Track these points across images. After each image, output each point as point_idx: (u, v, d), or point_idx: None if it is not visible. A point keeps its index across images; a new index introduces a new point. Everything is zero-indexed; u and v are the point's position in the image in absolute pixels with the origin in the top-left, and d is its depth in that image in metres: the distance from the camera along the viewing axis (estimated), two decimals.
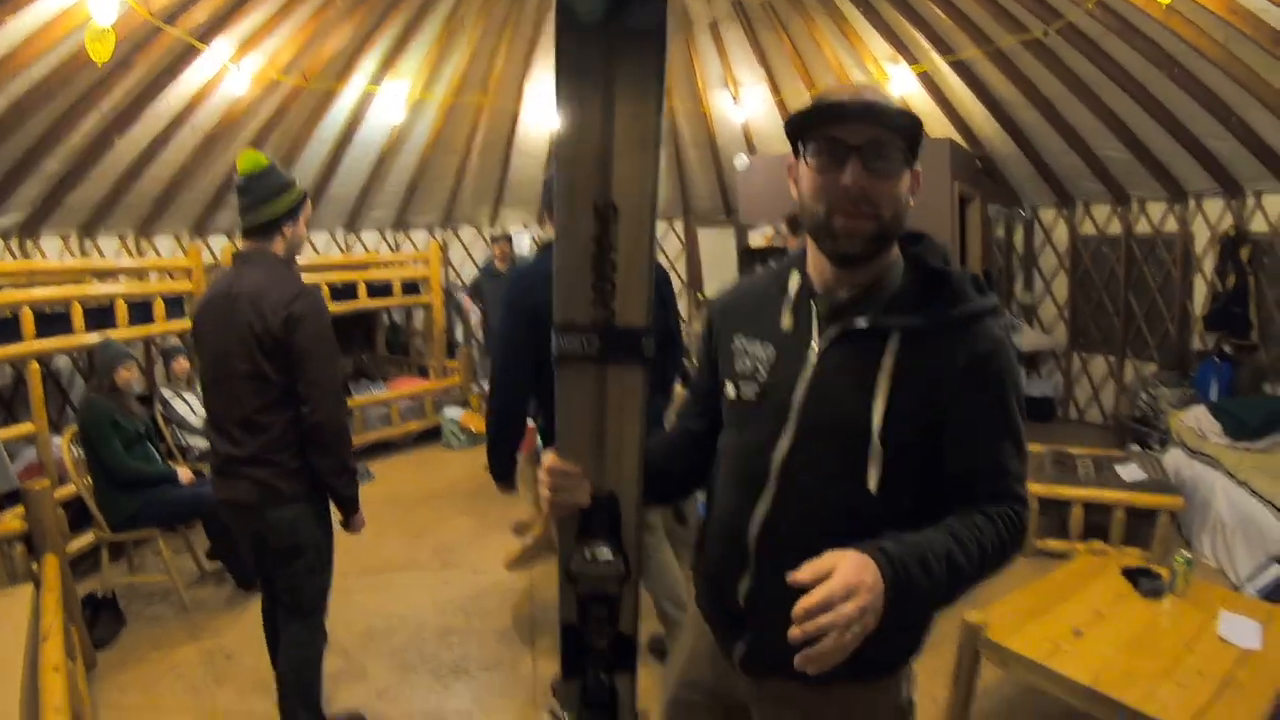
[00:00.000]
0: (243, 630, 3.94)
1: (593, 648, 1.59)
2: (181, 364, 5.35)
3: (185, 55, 5.38)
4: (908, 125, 1.37)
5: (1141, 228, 6.28)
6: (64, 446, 4.30)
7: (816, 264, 1.48)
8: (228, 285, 2.74)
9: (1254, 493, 4.11)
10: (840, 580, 1.17)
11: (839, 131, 1.36)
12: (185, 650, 3.81)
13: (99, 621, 3.82)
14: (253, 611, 3.91)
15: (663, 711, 1.87)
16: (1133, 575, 3.24)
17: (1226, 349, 5.52)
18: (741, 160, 7.07)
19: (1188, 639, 2.85)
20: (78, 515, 4.37)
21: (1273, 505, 3.94)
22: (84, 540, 4.34)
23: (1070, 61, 5.60)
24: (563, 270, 1.42)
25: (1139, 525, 4.22)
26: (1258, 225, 5.49)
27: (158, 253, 6.92)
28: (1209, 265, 5.74)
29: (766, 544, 1.47)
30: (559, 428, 1.50)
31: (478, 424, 4.76)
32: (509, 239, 7.08)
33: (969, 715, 3.03)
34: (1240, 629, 2.89)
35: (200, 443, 5.09)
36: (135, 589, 4.31)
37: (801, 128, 1.41)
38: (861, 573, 1.19)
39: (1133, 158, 5.96)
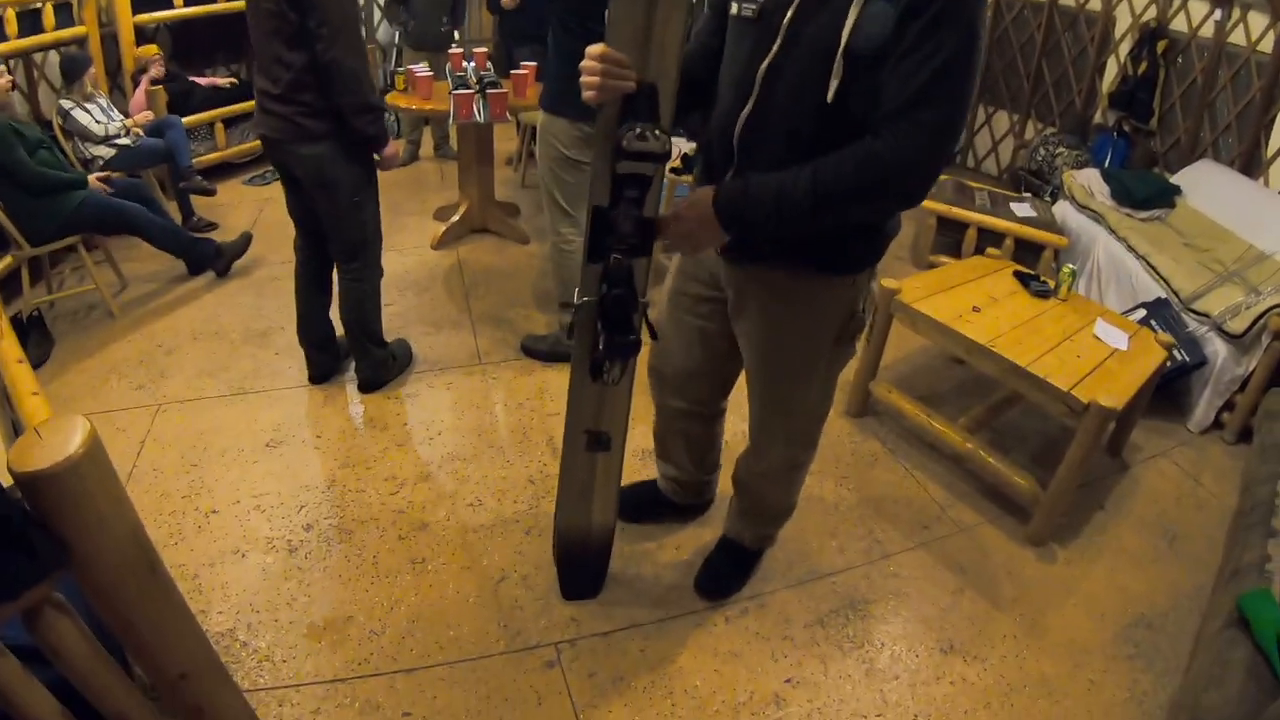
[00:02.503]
0: (176, 326, 4.03)
1: (618, 229, 1.71)
2: (90, 73, 4.84)
3: None
4: None
5: (1067, 0, 6.24)
6: None
7: None
8: None
9: (1131, 249, 4.36)
10: (682, 206, 1.73)
11: None
12: (123, 353, 3.79)
13: (29, 342, 3.64)
14: (184, 308, 4.17)
15: (665, 302, 2.23)
16: (1023, 278, 3.43)
17: (1126, 128, 5.68)
18: None
19: (1069, 332, 3.10)
20: None
21: (1146, 261, 4.19)
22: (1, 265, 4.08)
23: None
24: None
25: (1025, 256, 4.49)
26: (1178, 25, 5.52)
27: None
28: (1125, 49, 5.78)
29: (746, 141, 1.71)
30: (611, 17, 1.58)
31: (407, 101, 4.51)
32: None
33: (878, 368, 3.44)
34: (1112, 334, 3.16)
35: (104, 152, 4.74)
36: (58, 307, 4.15)
37: None
38: (695, 202, 1.70)
39: None
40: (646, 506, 2.80)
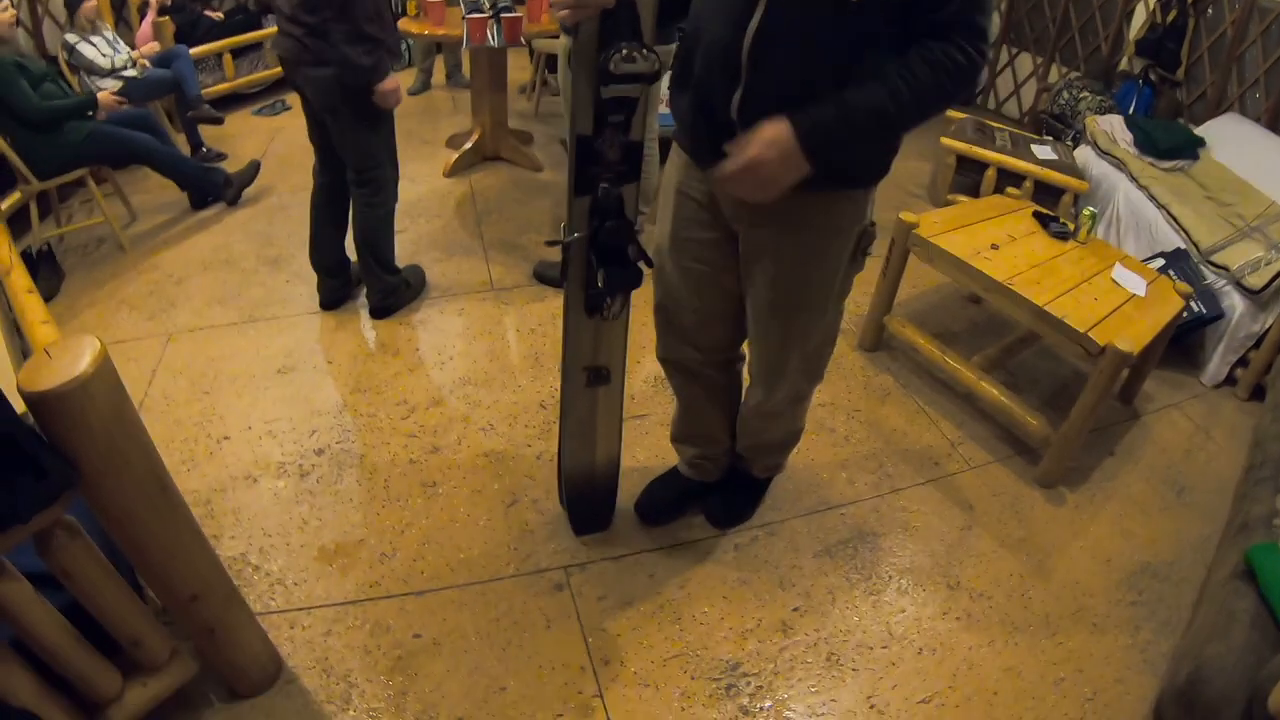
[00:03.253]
0: (186, 257, 4.02)
1: (604, 158, 1.65)
2: (89, 5, 4.73)
3: None
4: None
5: None
6: None
7: None
8: None
9: (1151, 198, 4.30)
10: (750, 152, 1.50)
11: None
12: (133, 285, 3.78)
13: (39, 276, 3.61)
14: (194, 239, 4.17)
15: (665, 245, 2.04)
16: (1043, 219, 3.39)
17: (1152, 77, 5.57)
18: None
19: (1087, 275, 3.07)
20: None
21: (1167, 211, 4.14)
22: (8, 203, 4.03)
23: None
24: None
25: (1045, 199, 4.42)
26: None
27: None
28: None
29: (757, 55, 1.52)
30: None
31: (419, 27, 4.43)
32: None
33: (893, 303, 3.40)
34: (1131, 279, 3.12)
35: (111, 85, 4.66)
36: (67, 241, 4.13)
37: None
38: (773, 141, 1.48)
39: None
40: (670, 504, 2.60)
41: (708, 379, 2.30)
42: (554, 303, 3.61)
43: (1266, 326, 3.48)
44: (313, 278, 3.51)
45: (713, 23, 1.60)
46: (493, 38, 4.16)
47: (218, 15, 6.19)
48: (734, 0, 1.53)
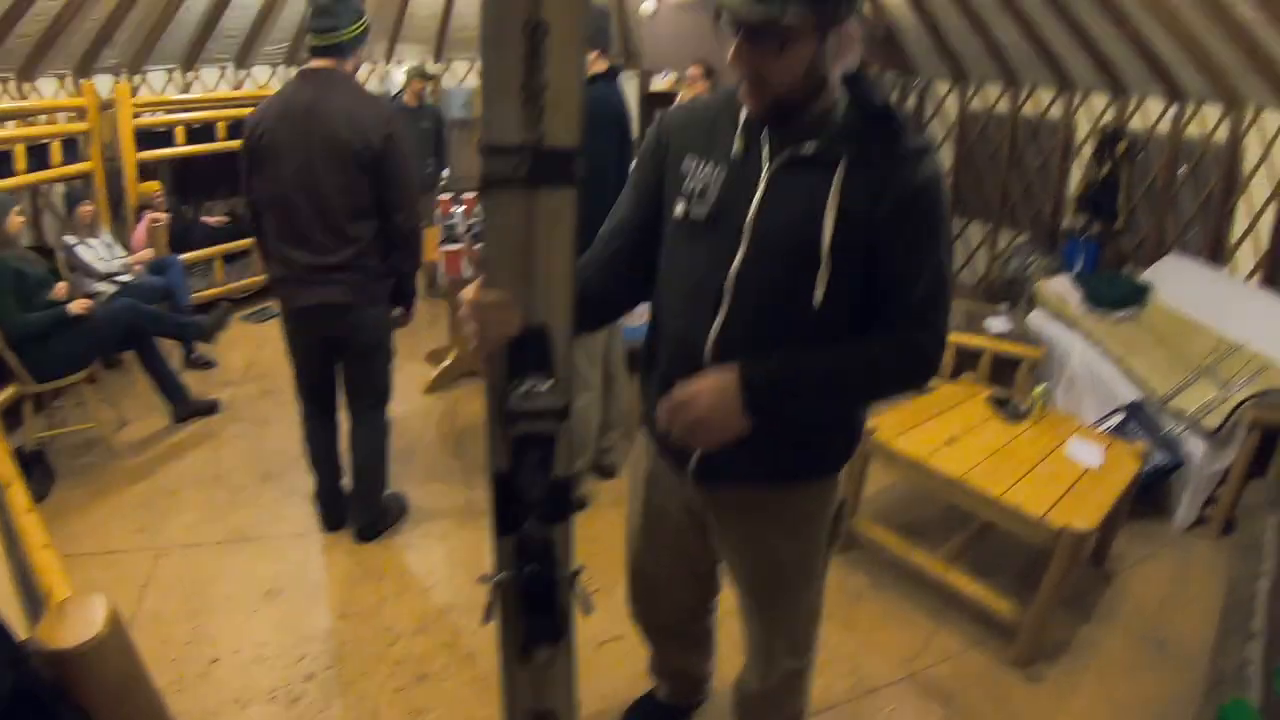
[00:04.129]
0: (176, 468, 4.13)
1: (527, 498, 1.50)
2: (86, 209, 5.05)
3: None
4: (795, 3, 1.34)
5: (1028, 111, 6.51)
6: None
7: None
8: (307, 102, 2.85)
9: (1105, 353, 4.50)
10: (693, 389, 1.47)
11: (730, 6, 1.37)
12: (124, 494, 3.87)
13: (31, 478, 3.68)
14: (186, 450, 4.27)
15: (639, 504, 2.02)
16: (997, 402, 3.52)
17: (1094, 230, 5.87)
18: (648, 6, 6.98)
19: (1042, 454, 3.21)
20: None
21: (1120, 364, 4.33)
22: (2, 397, 4.17)
23: None
24: (491, 91, 1.29)
25: (1002, 371, 4.61)
26: (1136, 123, 5.77)
27: (41, 96, 6.31)
28: (1087, 153, 6.01)
29: (721, 356, 1.55)
30: (484, 253, 1.42)
31: None
32: (425, 75, 6.78)
33: (859, 504, 3.50)
34: (1085, 451, 3.25)
35: (106, 289, 4.89)
36: (58, 442, 4.24)
37: None
38: (714, 386, 1.47)
39: (1029, 46, 6.13)
40: None
41: (681, 633, 2.31)
42: None
43: (1229, 463, 3.61)
44: (299, 497, 3.60)
45: (677, 319, 1.64)
46: (467, 270, 4.33)
47: (218, 220, 6.52)
48: (698, 299, 1.58)
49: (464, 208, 4.80)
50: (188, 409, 4.50)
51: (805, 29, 1.36)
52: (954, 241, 1.48)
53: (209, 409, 4.60)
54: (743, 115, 1.54)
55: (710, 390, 1.46)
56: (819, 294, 1.48)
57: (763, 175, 1.50)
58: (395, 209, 2.96)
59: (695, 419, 1.47)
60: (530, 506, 1.50)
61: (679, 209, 1.59)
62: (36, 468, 3.83)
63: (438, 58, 8.78)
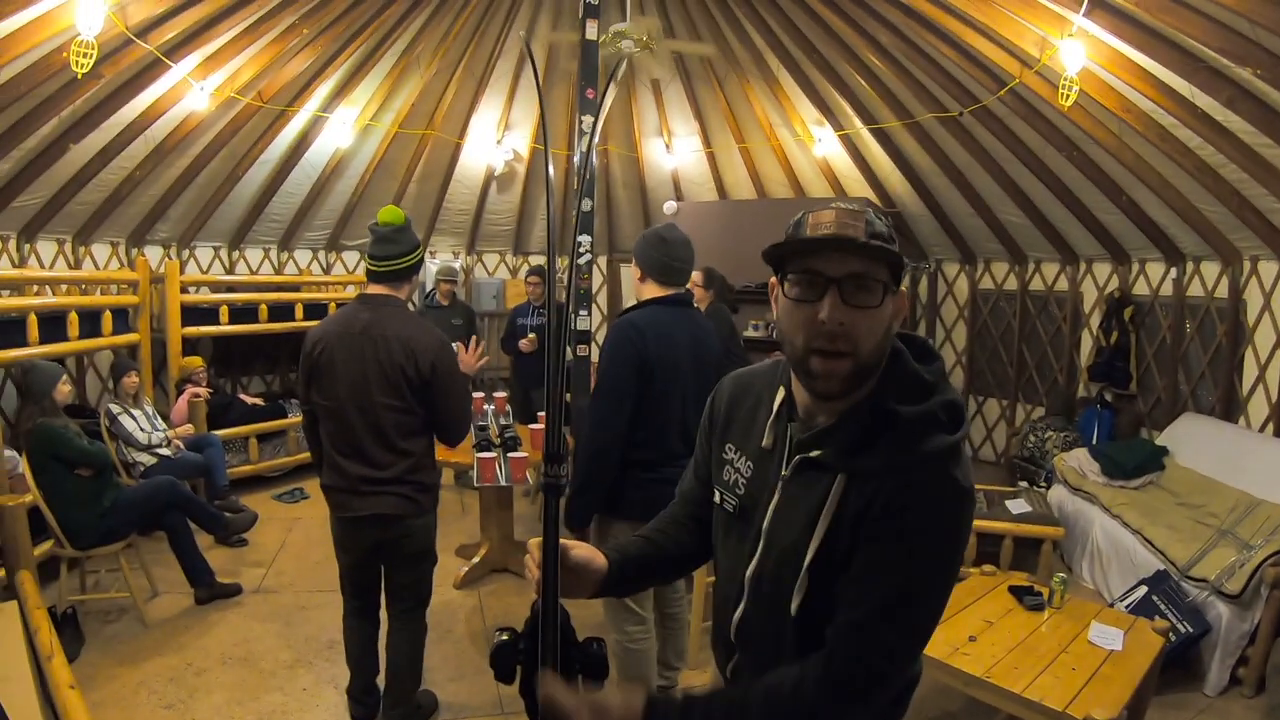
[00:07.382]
0: (206, 645, 4.10)
1: None
2: (131, 379, 5.32)
3: (152, 68, 5.37)
4: (890, 254, 1.29)
5: (1036, 285, 6.84)
6: (25, 465, 4.24)
7: (799, 386, 1.44)
8: (364, 324, 3.04)
9: (1125, 525, 4.60)
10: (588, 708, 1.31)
11: (817, 263, 1.29)
12: (152, 666, 3.87)
13: (61, 638, 3.74)
14: (216, 628, 4.25)
15: None
16: (1018, 592, 3.67)
17: (1108, 397, 6.06)
18: (670, 206, 7.42)
19: (1063, 643, 3.27)
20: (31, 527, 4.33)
21: (1141, 535, 4.43)
22: (39, 551, 4.27)
23: (980, 137, 6.10)
24: None
25: (1025, 552, 4.68)
26: (1140, 289, 6.04)
27: (94, 261, 6.87)
28: (1095, 321, 6.29)
29: (740, 638, 1.56)
30: None
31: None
32: (454, 278, 7.00)
33: None
34: (1107, 635, 3.32)
35: (145, 459, 5.13)
36: (90, 605, 4.32)
37: (779, 256, 1.35)
38: (608, 713, 1.32)
39: (1031, 224, 6.49)
40: None
41: None
42: None
43: (1256, 623, 3.62)
44: (331, 687, 3.63)
45: (718, 592, 1.63)
46: (501, 476, 4.33)
47: (256, 400, 6.84)
48: (728, 584, 1.56)
49: (493, 407, 4.94)
50: (211, 592, 4.55)
51: (884, 287, 1.30)
52: (953, 559, 1.33)
53: (233, 592, 4.64)
54: (777, 401, 1.49)
55: (610, 713, 1.33)
56: (794, 605, 1.40)
57: (781, 477, 1.45)
58: (442, 430, 3.13)
59: None
60: None
61: (717, 498, 1.58)
62: (67, 629, 3.88)
63: (470, 250, 9.47)
